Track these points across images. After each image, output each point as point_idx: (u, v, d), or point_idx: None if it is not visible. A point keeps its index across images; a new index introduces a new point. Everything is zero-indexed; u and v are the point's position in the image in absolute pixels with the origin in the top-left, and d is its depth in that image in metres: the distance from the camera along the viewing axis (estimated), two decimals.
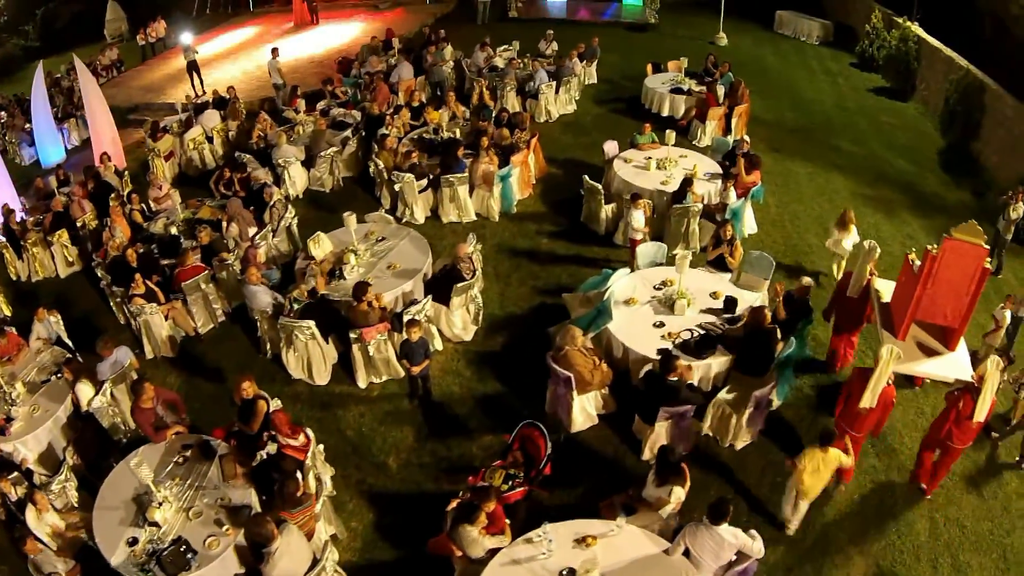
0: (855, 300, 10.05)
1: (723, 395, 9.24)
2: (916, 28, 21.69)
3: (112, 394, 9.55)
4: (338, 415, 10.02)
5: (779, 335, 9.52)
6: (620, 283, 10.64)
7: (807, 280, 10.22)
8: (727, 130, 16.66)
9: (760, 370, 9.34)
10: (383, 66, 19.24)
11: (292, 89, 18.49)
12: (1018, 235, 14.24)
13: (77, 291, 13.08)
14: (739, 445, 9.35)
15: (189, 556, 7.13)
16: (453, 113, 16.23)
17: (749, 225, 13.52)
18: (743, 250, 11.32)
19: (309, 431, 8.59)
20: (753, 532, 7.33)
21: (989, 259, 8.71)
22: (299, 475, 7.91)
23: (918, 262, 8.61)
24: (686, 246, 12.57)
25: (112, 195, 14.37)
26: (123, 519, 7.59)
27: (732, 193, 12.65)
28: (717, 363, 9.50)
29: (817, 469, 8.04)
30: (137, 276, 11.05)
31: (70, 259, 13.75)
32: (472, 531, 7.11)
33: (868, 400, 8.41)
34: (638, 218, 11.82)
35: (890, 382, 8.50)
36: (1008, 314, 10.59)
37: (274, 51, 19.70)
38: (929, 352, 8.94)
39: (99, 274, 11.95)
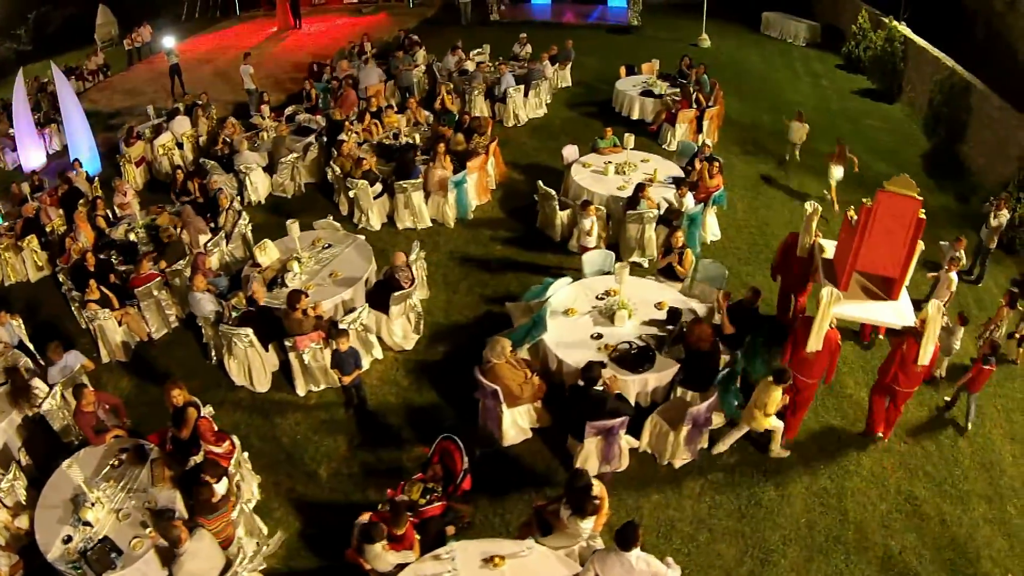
0: (802, 260, 10.22)
1: (660, 411, 8.93)
2: (903, 28, 21.30)
3: (64, 397, 9.60)
4: (275, 422, 9.93)
5: (720, 348, 9.22)
6: (561, 293, 10.36)
7: (756, 289, 9.86)
8: (699, 133, 16.36)
9: (702, 385, 9.03)
10: (353, 71, 19.06)
11: (259, 95, 18.32)
12: (1000, 241, 13.93)
13: (45, 295, 13.07)
14: (677, 464, 9.03)
15: (114, 556, 7.28)
16: (415, 119, 15.98)
17: (712, 231, 13.24)
18: (694, 258, 11.00)
19: (235, 438, 8.61)
20: (669, 560, 7.06)
21: (968, 273, 10.35)
22: (224, 481, 7.87)
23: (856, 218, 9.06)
24: (641, 253, 12.31)
25: (81, 200, 14.41)
26: (61, 518, 7.80)
27: (688, 198, 12.33)
28: (655, 377, 9.17)
29: (776, 405, 8.62)
30: (91, 282, 11.09)
31: (40, 264, 13.73)
32: (375, 547, 7.01)
33: (814, 344, 8.73)
34: (588, 225, 11.54)
35: (833, 325, 8.81)
36: (954, 276, 11.09)
37: (246, 56, 19.61)
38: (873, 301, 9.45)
39: (61, 279, 12.01)
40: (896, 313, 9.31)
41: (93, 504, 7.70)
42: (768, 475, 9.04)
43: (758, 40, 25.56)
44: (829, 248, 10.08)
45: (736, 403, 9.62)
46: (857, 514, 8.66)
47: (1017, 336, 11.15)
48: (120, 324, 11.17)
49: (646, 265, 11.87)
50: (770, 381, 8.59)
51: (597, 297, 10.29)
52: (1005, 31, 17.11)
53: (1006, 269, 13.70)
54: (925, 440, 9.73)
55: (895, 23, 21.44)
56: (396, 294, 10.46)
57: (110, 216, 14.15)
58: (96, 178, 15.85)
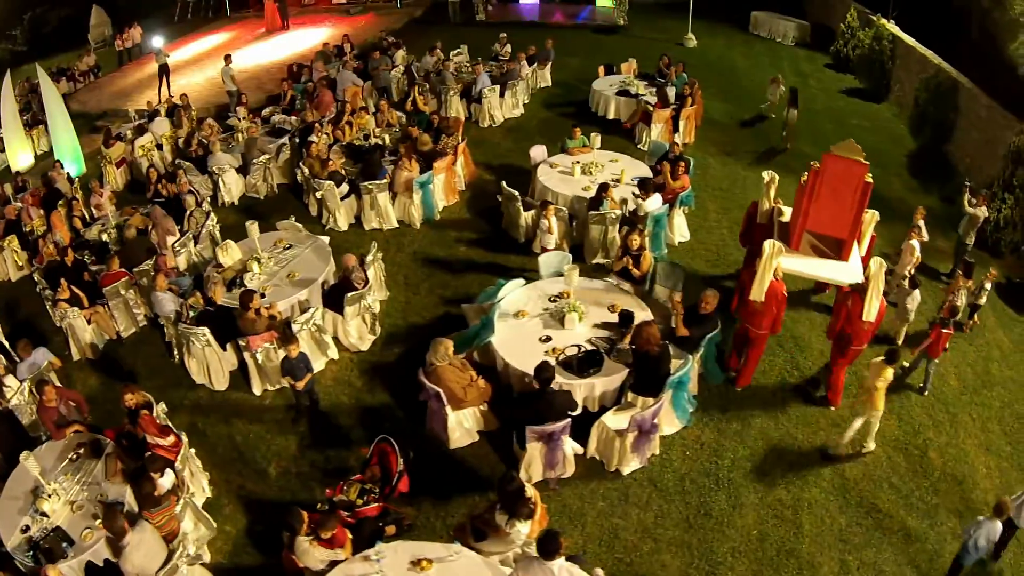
0: (763, 227, 10.48)
1: (607, 416, 8.85)
2: (891, 26, 21.14)
3: (32, 392, 9.77)
4: (231, 421, 10.07)
5: (671, 352, 9.15)
6: (513, 295, 10.32)
7: (710, 292, 9.72)
8: (675, 133, 16.28)
9: (653, 390, 8.90)
10: (333, 72, 19.08)
11: (238, 96, 18.37)
12: (983, 242, 13.84)
13: (25, 294, 13.26)
14: (625, 470, 8.95)
15: (65, 545, 7.55)
16: (387, 120, 15.99)
17: (680, 232, 13.16)
18: (653, 260, 10.91)
19: (183, 434, 8.80)
20: (599, 572, 7.05)
21: (950, 276, 11.13)
22: (169, 476, 8.13)
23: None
24: (605, 255, 12.25)
25: (60, 201, 14.62)
26: (21, 508, 8.10)
27: (654, 199, 12.24)
28: (602, 382, 9.09)
29: (886, 382, 8.88)
30: (63, 281, 11.37)
31: (20, 264, 13.93)
32: (303, 542, 7.12)
33: (756, 293, 9.32)
34: (546, 225, 11.51)
35: (779, 278, 9.36)
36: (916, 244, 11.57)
37: (227, 58, 19.72)
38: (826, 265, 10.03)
39: (35, 278, 12.20)
40: (844, 272, 9.82)
41: (50, 496, 7.98)
42: (720, 484, 8.94)
43: (746, 40, 25.40)
44: (788, 213, 10.60)
45: (691, 408, 9.61)
46: (813, 527, 8.50)
47: (969, 305, 11.51)
48: (89, 323, 11.38)
49: (629, 261, 11.75)
50: (882, 361, 8.89)
51: (550, 299, 10.24)
52: (993, 28, 16.95)
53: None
54: (891, 450, 9.55)
55: (883, 21, 21.28)
56: (350, 295, 10.48)
57: (86, 217, 14.37)
58: (77, 179, 15.99)
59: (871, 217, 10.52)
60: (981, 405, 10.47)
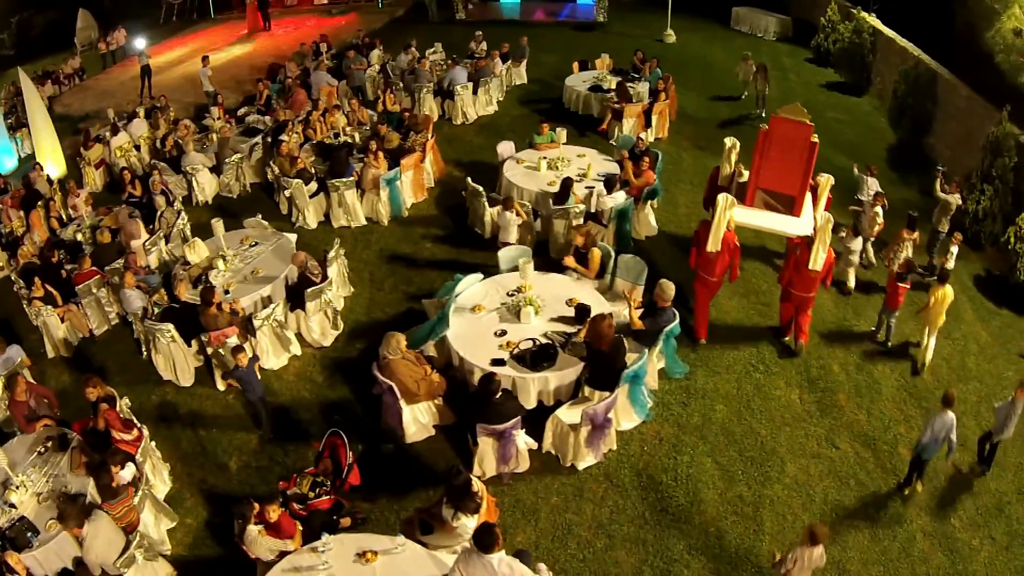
0: (725, 190, 11.04)
1: (562, 411, 8.93)
2: (872, 19, 21.18)
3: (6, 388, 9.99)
4: (195, 416, 10.24)
5: (627, 345, 9.24)
6: (471, 289, 10.40)
7: (666, 284, 9.75)
8: (648, 128, 16.36)
9: (608, 384, 8.94)
10: (304, 70, 19.21)
11: (214, 96, 18.49)
12: (963, 234, 13.62)
13: (2, 294, 13.41)
14: (581, 465, 8.99)
15: (30, 535, 7.74)
16: (359, 119, 16.11)
17: (647, 227, 13.23)
18: (605, 255, 10.91)
19: (144, 428, 9.02)
20: (541, 566, 7.12)
21: (928, 270, 12.11)
22: (130, 468, 8.31)
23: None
24: (569, 250, 12.29)
25: (40, 202, 14.77)
26: None
27: (617, 194, 12.33)
28: (556, 376, 9.14)
29: (942, 301, 10.32)
30: (36, 280, 11.63)
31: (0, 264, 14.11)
32: (252, 530, 7.27)
33: (712, 244, 10.24)
34: (505, 220, 11.63)
35: (731, 228, 10.32)
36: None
37: (204, 59, 19.91)
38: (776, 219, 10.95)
39: (12, 278, 12.44)
40: (794, 225, 10.76)
41: (17, 487, 8.20)
42: (679, 480, 8.93)
43: (727, 35, 25.46)
44: (747, 175, 11.41)
45: (649, 403, 9.69)
46: (775, 525, 8.47)
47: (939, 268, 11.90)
48: (63, 320, 11.64)
49: (572, 260, 11.84)
50: (935, 280, 10.56)
51: (508, 294, 10.32)
52: (971, 16, 16.95)
53: (970, 265, 13.58)
54: (860, 446, 9.57)
55: (864, 14, 21.33)
56: (310, 290, 10.61)
57: (63, 217, 14.61)
58: (56, 181, 16.16)
59: (827, 180, 11.34)
60: (956, 400, 10.46)
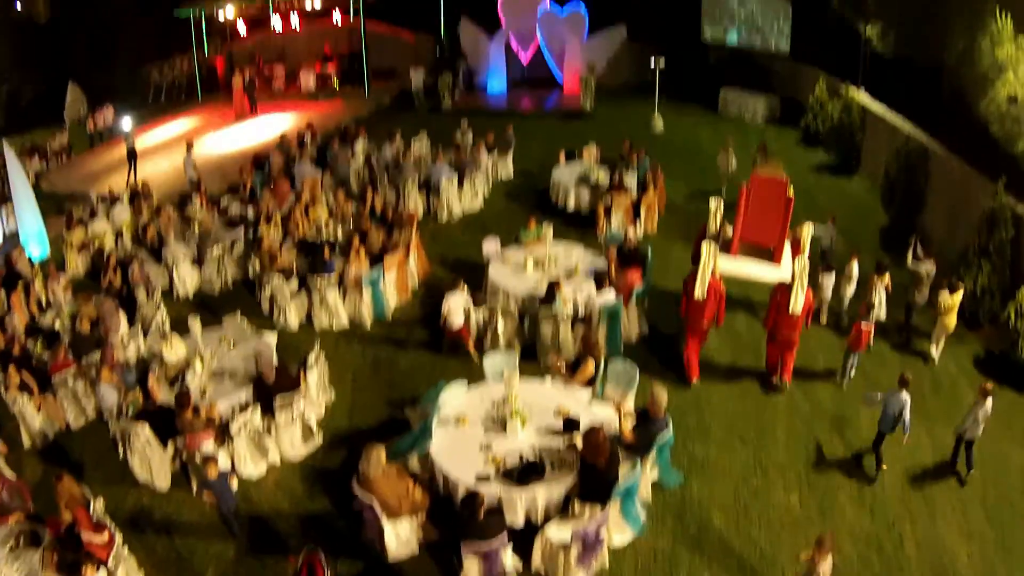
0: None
1: (551, 528, 8.91)
2: (860, 95, 21.77)
3: None
4: (171, 521, 10.18)
5: (620, 458, 9.27)
6: (455, 399, 10.48)
7: (659, 391, 9.88)
8: (636, 220, 16.67)
9: (600, 498, 8.96)
10: (287, 160, 19.64)
11: (197, 185, 18.85)
12: (960, 312, 13.65)
13: None
14: None
15: None
16: (342, 213, 16.43)
17: (635, 328, 13.38)
18: (595, 366, 11.04)
19: (117, 532, 8.99)
20: None
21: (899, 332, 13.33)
22: (102, 573, 8.33)
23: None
24: (558, 354, 12.43)
25: (20, 283, 14.94)
26: None
27: (607, 295, 12.53)
28: (545, 490, 9.15)
29: (952, 309, 12.35)
30: (11, 367, 11.71)
31: None
32: None
33: (699, 291, 11.67)
34: (456, 302, 12.54)
35: (716, 277, 11.80)
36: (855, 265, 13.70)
37: (188, 145, 20.38)
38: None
39: None
40: (776, 272, 12.44)
41: None
42: None
43: (714, 119, 26.20)
44: (731, 231, 13.24)
45: (643, 516, 9.65)
46: None
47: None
48: (39, 410, 11.74)
49: (563, 367, 11.94)
50: (945, 291, 12.42)
51: (493, 403, 10.38)
52: (961, 86, 17.29)
53: (968, 345, 13.68)
54: (864, 547, 9.57)
55: (852, 90, 21.93)
56: (279, 403, 10.68)
57: (43, 302, 14.82)
58: (38, 263, 16.39)
59: (807, 229, 13.08)
60: (960, 488, 10.57)
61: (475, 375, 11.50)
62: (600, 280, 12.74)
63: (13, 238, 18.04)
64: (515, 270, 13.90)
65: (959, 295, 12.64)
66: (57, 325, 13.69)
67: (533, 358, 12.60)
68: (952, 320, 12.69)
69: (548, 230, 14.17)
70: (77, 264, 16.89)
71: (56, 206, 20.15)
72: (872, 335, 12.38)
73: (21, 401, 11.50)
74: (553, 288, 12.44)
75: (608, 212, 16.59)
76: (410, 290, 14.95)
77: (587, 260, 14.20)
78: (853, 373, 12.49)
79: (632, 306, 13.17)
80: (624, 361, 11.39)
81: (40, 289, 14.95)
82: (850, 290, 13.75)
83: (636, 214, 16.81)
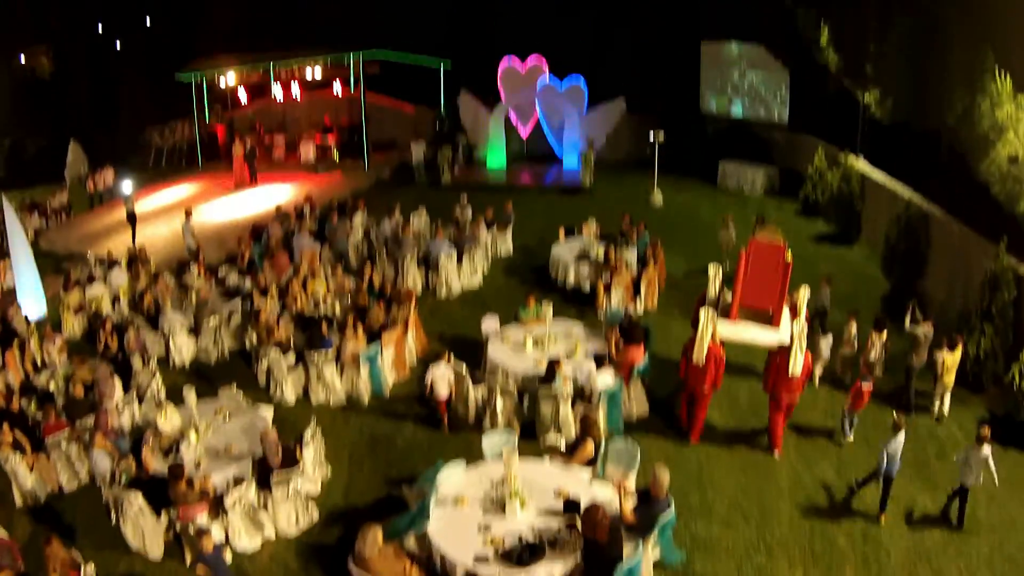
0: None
1: None
2: (860, 163, 22.16)
3: None
4: None
5: (623, 537, 9.25)
6: (453, 479, 10.48)
7: (661, 471, 9.91)
8: (636, 297, 16.84)
9: None
10: (286, 233, 19.95)
11: (195, 253, 19.12)
12: (964, 376, 13.87)
13: None
14: None
15: None
16: (341, 288, 16.64)
17: (636, 407, 13.44)
18: (603, 439, 11.13)
19: None
20: None
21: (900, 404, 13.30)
22: None
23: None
24: (558, 433, 12.48)
25: (15, 341, 15.11)
26: None
27: (607, 375, 12.64)
28: (545, 572, 9.10)
29: (952, 368, 12.82)
30: (4, 425, 11.85)
31: None
32: None
33: (697, 356, 12.08)
34: (440, 372, 12.89)
35: (716, 342, 12.15)
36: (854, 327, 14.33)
37: (187, 212, 20.77)
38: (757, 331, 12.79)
39: None
40: (775, 335, 12.47)
41: None
42: None
43: (713, 192, 26.69)
44: (730, 296, 13.34)
45: None
46: None
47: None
48: (32, 470, 11.81)
49: (562, 447, 12.01)
50: (945, 348, 12.88)
51: (492, 483, 10.38)
52: (961, 148, 17.43)
53: (972, 409, 13.72)
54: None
55: (851, 158, 22.34)
56: (275, 479, 10.71)
57: (38, 361, 14.97)
58: (34, 321, 16.58)
59: (803, 293, 13.26)
60: (968, 554, 10.53)
61: (474, 454, 11.50)
62: (600, 359, 12.87)
63: (9, 294, 18.32)
64: (514, 348, 14.05)
65: (958, 352, 13.02)
66: (51, 386, 13.88)
67: (532, 437, 12.64)
68: (951, 378, 13.10)
69: (548, 308, 14.33)
70: (73, 326, 17.11)
71: (54, 265, 20.54)
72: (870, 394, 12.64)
73: (13, 460, 11.59)
74: (553, 367, 12.56)
75: (608, 288, 16.77)
76: (408, 367, 15.05)
77: (587, 338, 14.36)
78: (852, 435, 12.78)
79: (633, 384, 13.25)
80: (625, 440, 11.42)
81: (36, 348, 15.15)
82: (848, 352, 14.16)
83: (636, 290, 17.01)
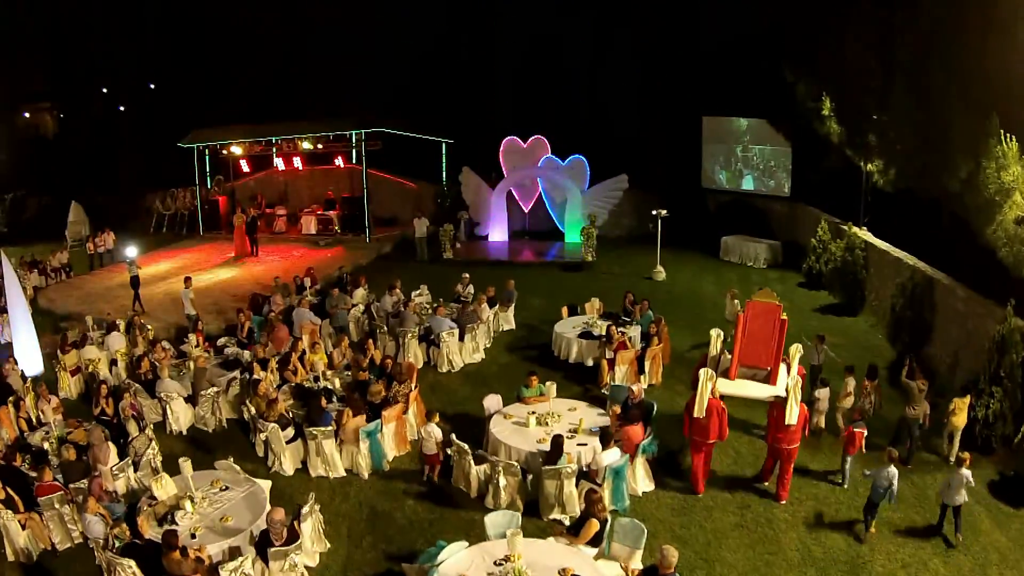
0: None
1: None
2: (863, 233, 22.66)
3: None
4: None
5: None
6: (456, 557, 10.56)
7: (669, 551, 10.01)
8: (641, 375, 17.08)
9: None
10: (287, 306, 20.34)
11: (195, 321, 19.47)
12: (972, 439, 14.00)
13: None
14: None
15: None
16: (344, 361, 16.93)
17: (642, 484, 13.57)
18: (607, 517, 11.23)
19: None
20: None
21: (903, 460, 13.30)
22: None
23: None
24: (562, 510, 12.61)
25: (11, 398, 15.32)
26: None
27: (611, 452, 12.82)
28: None
29: (962, 410, 13.77)
30: None
31: None
32: None
33: (698, 410, 12.96)
34: (430, 432, 13.56)
35: (716, 396, 13.16)
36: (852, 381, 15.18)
37: (187, 280, 21.32)
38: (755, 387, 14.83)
39: None
40: (772, 392, 14.06)
41: None
42: None
43: (716, 267, 27.21)
44: (730, 357, 15.03)
45: None
46: None
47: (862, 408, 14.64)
48: (24, 528, 11.98)
49: (567, 523, 12.14)
50: (958, 396, 13.86)
51: (496, 563, 10.47)
52: (966, 213, 17.65)
53: (982, 471, 13.73)
54: None
55: (855, 229, 22.84)
56: (272, 551, 10.79)
57: (32, 419, 15.19)
58: (30, 379, 16.74)
59: (795, 349, 14.86)
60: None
61: (476, 531, 11.62)
62: (605, 437, 13.06)
63: (6, 350, 18.64)
64: (517, 426, 14.27)
65: (968, 397, 14.02)
66: (46, 446, 14.09)
67: (536, 515, 12.77)
68: (961, 419, 13.88)
69: (551, 387, 14.60)
70: (70, 386, 17.49)
71: (52, 324, 20.90)
72: (864, 437, 13.47)
73: (5, 517, 11.77)
74: (558, 444, 12.75)
75: (612, 364, 17.05)
76: (409, 442, 15.22)
77: (591, 416, 14.56)
78: (847, 481, 13.49)
79: (638, 461, 13.42)
80: (631, 518, 11.53)
81: (31, 406, 15.38)
82: (848, 403, 14.97)
83: (640, 367, 17.26)
